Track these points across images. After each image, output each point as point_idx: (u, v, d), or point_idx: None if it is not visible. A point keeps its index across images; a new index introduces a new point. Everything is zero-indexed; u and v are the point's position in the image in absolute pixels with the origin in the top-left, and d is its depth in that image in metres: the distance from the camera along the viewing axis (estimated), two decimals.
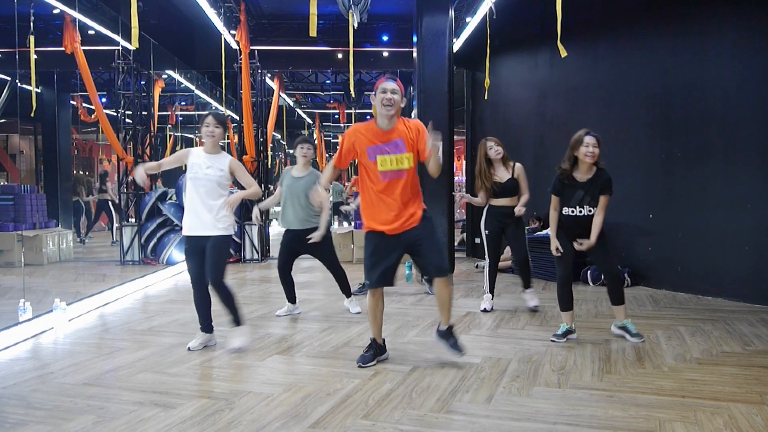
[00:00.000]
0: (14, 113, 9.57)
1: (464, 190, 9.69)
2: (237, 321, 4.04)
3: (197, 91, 11.94)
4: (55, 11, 7.51)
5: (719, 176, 5.60)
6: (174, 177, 11.05)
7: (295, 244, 4.94)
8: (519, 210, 4.96)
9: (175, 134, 13.78)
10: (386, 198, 3.49)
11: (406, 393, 3.14)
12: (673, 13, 5.99)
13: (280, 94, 12.19)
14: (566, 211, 4.07)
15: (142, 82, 9.10)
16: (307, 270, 7.75)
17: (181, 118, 13.66)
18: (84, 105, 10.98)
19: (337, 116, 16.03)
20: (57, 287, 6.74)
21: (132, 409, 2.97)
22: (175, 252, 8.46)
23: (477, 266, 7.68)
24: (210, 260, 3.91)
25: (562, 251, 4.12)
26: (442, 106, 7.23)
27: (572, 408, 2.92)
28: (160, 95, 10.50)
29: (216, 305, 3.99)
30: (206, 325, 4.07)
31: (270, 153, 11.31)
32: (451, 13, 7.38)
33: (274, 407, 2.97)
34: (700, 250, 5.77)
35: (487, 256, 5.19)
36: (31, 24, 6.88)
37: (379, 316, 3.68)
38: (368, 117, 18.41)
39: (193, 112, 13.70)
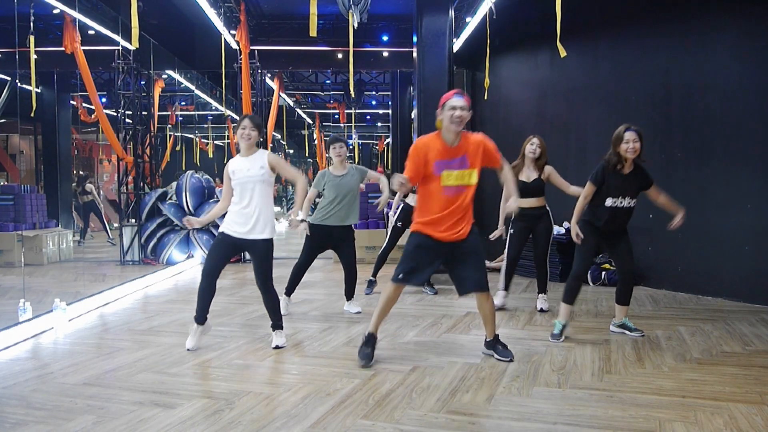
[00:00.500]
0: (14, 113, 9.58)
1: None
2: (278, 326, 4.10)
3: (197, 91, 11.94)
4: (55, 11, 7.51)
5: (719, 176, 5.60)
6: (174, 177, 11.05)
7: (324, 239, 4.96)
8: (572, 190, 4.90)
9: (175, 134, 13.79)
10: (444, 210, 3.51)
11: (406, 393, 3.15)
12: (673, 13, 5.99)
13: (280, 94, 12.20)
14: (609, 202, 4.05)
15: (142, 82, 9.10)
16: (308, 270, 7.74)
17: (181, 118, 13.67)
18: (84, 105, 10.99)
19: (337, 116, 16.03)
20: (57, 287, 6.74)
21: (132, 409, 2.97)
22: (175, 252, 8.46)
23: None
24: (263, 265, 3.99)
25: (584, 240, 4.12)
26: None
27: (572, 408, 2.93)
28: (160, 95, 10.50)
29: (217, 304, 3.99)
30: (202, 317, 4.08)
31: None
32: (451, 13, 7.38)
33: (274, 407, 2.97)
34: (700, 250, 5.77)
35: (506, 254, 5.15)
36: (31, 24, 6.88)
37: (389, 310, 3.76)
38: (368, 117, 18.44)
39: (193, 112, 13.72)
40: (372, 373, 3.47)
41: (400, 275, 3.62)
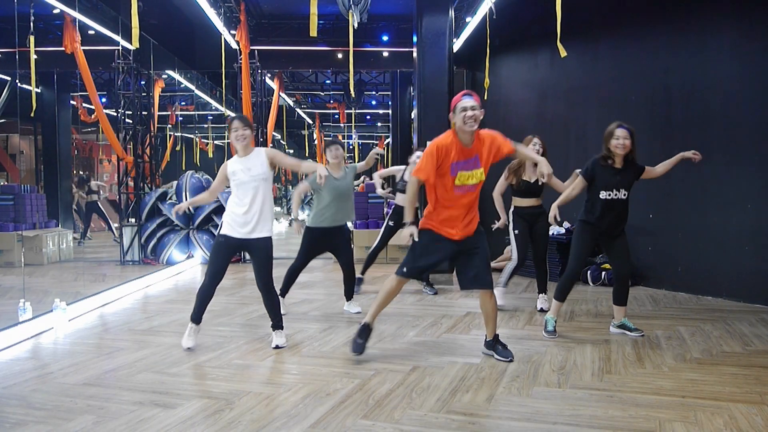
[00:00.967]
0: (14, 113, 9.58)
1: None
2: (278, 326, 4.11)
3: (197, 91, 11.94)
4: (55, 11, 7.51)
5: (719, 176, 5.60)
6: (174, 177, 11.06)
7: (321, 242, 4.96)
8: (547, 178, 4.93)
9: (175, 134, 13.79)
10: (457, 209, 3.55)
11: (406, 393, 3.14)
12: (673, 13, 5.99)
13: (280, 94, 12.20)
14: (603, 195, 4.10)
15: (142, 82, 9.10)
16: (307, 270, 7.72)
17: (181, 118, 13.67)
18: (84, 105, 11.00)
19: (337, 116, 16.03)
20: (57, 287, 6.74)
21: (132, 409, 2.97)
22: (175, 252, 8.46)
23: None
24: (264, 264, 4.01)
25: (580, 239, 4.19)
26: (442, 106, 7.22)
27: (572, 408, 2.93)
28: (160, 95, 10.50)
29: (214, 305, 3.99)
30: (199, 317, 4.10)
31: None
32: (451, 13, 7.38)
33: (274, 407, 2.97)
34: (700, 250, 5.77)
35: (514, 257, 5.16)
36: (31, 24, 6.88)
37: (389, 303, 3.78)
38: (368, 117, 18.44)
39: (193, 112, 13.72)
40: (372, 373, 3.47)
41: (406, 269, 3.64)
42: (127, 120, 8.93)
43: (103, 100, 10.13)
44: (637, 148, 4.15)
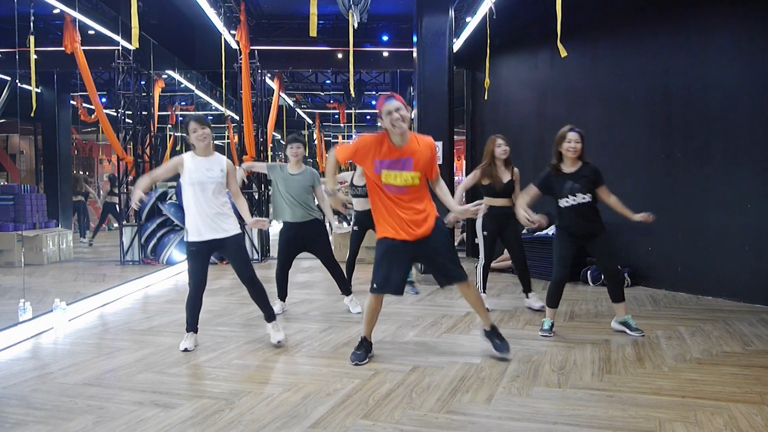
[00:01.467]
0: (14, 113, 9.56)
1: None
2: (271, 316, 4.13)
3: (197, 91, 11.93)
4: (55, 11, 7.51)
5: (719, 176, 5.60)
6: (173, 177, 11.03)
7: (295, 239, 4.98)
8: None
9: (175, 134, 13.78)
10: (394, 207, 3.53)
11: (406, 393, 3.15)
12: (673, 13, 5.99)
13: (280, 94, 12.18)
14: (563, 203, 4.16)
15: (142, 82, 9.10)
16: (307, 270, 7.76)
17: (181, 118, 13.65)
18: (84, 105, 10.98)
19: (337, 116, 16.02)
20: (57, 287, 6.74)
21: (132, 409, 2.97)
22: (175, 252, 8.46)
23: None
24: (240, 259, 4.00)
25: (560, 246, 4.22)
26: (442, 106, 7.24)
27: (572, 408, 2.93)
28: (160, 95, 10.49)
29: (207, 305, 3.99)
30: (194, 326, 4.11)
31: (270, 153, 11.29)
32: (451, 13, 7.38)
33: (274, 407, 2.97)
34: (700, 250, 5.77)
35: (482, 256, 5.21)
36: (31, 24, 6.87)
37: (376, 318, 3.78)
38: (368, 117, 18.46)
39: (193, 112, 13.71)
40: (372, 373, 3.47)
41: (375, 285, 3.63)
42: (127, 120, 8.92)
43: (103, 100, 10.11)
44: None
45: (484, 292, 5.22)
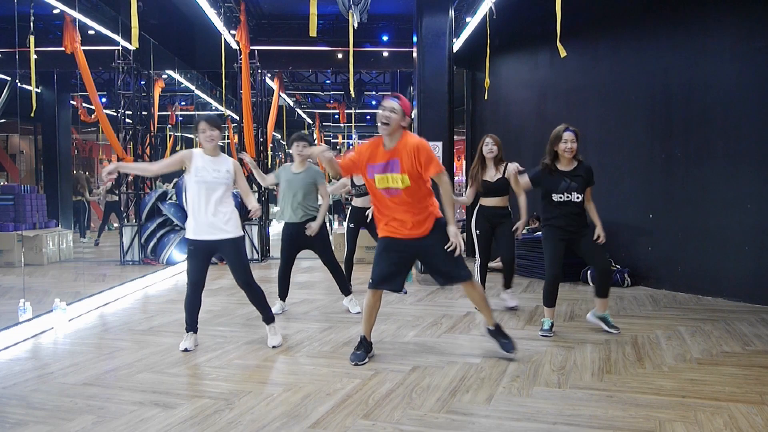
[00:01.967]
0: (14, 113, 9.56)
1: (464, 190, 9.68)
2: (270, 318, 4.13)
3: (197, 91, 11.93)
4: (55, 11, 7.51)
5: (719, 176, 5.60)
6: (174, 176, 11.05)
7: (296, 238, 4.97)
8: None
9: (175, 134, 13.78)
10: (392, 208, 3.54)
11: (406, 393, 3.15)
12: (673, 13, 5.99)
13: (280, 94, 12.18)
14: (556, 197, 4.18)
15: (142, 82, 9.10)
16: (307, 270, 7.76)
17: (181, 118, 13.65)
18: (84, 105, 10.97)
19: (337, 116, 16.01)
20: (57, 287, 6.74)
21: (132, 409, 2.97)
22: (175, 252, 8.46)
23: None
24: (237, 262, 3.98)
25: (548, 244, 4.26)
26: (442, 106, 7.23)
27: (572, 408, 2.93)
28: (160, 95, 10.49)
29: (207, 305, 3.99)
30: (194, 326, 4.10)
31: (270, 153, 11.29)
32: (451, 13, 7.38)
33: (274, 407, 2.97)
34: (700, 250, 5.77)
35: (477, 255, 5.21)
36: (31, 24, 6.87)
37: (374, 315, 3.77)
38: (368, 117, 18.46)
39: (193, 112, 13.69)
40: (372, 373, 3.47)
41: (372, 280, 3.64)
42: (127, 120, 8.92)
43: (103, 100, 10.10)
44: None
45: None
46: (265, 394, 3.15)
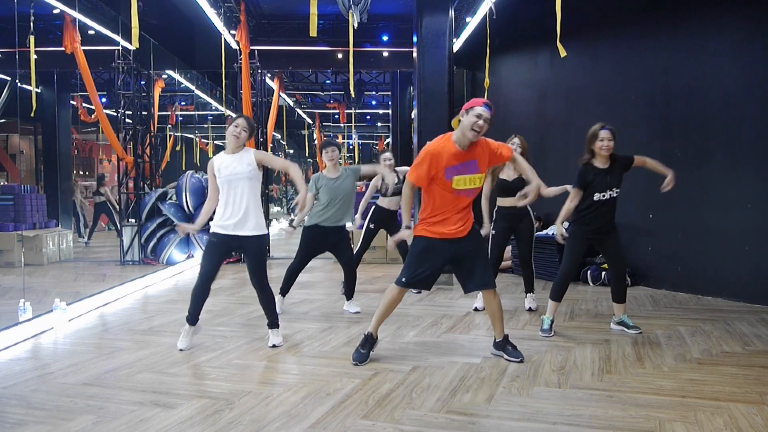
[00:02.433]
0: (14, 113, 9.57)
1: None
2: (274, 324, 4.13)
3: (197, 91, 11.93)
4: (55, 11, 7.51)
5: (719, 176, 5.60)
6: (174, 177, 11.05)
7: (320, 242, 4.97)
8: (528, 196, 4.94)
9: (175, 134, 13.78)
10: (453, 211, 3.54)
11: (406, 393, 3.14)
12: (672, 13, 5.99)
13: (280, 94, 12.18)
14: (597, 197, 4.16)
15: (142, 82, 9.10)
16: (307, 270, 7.73)
17: (181, 118, 13.66)
18: (84, 105, 10.99)
19: (337, 116, 16.02)
20: (57, 287, 6.74)
21: (132, 409, 2.97)
22: (175, 252, 8.46)
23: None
24: (257, 261, 3.99)
25: (573, 242, 4.25)
26: (442, 106, 7.21)
27: (572, 408, 2.93)
28: (160, 95, 10.49)
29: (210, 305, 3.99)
30: (195, 318, 4.09)
31: (270, 153, 11.29)
32: (451, 13, 7.37)
33: (274, 407, 2.97)
34: (700, 250, 5.77)
35: (489, 255, 5.18)
36: (31, 24, 6.87)
37: (390, 313, 3.76)
38: (368, 117, 18.43)
39: (193, 112, 13.71)
40: (372, 373, 3.47)
41: (405, 279, 3.61)
42: (127, 120, 8.92)
43: (103, 100, 10.11)
44: (620, 146, 4.23)
45: None
46: (265, 394, 3.15)
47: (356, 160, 18.21)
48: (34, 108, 7.52)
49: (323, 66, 11.94)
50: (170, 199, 8.81)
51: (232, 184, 3.89)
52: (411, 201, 3.63)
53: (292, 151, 20.98)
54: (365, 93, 14.75)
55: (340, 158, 5.09)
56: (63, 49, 7.57)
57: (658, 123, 6.15)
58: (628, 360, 3.69)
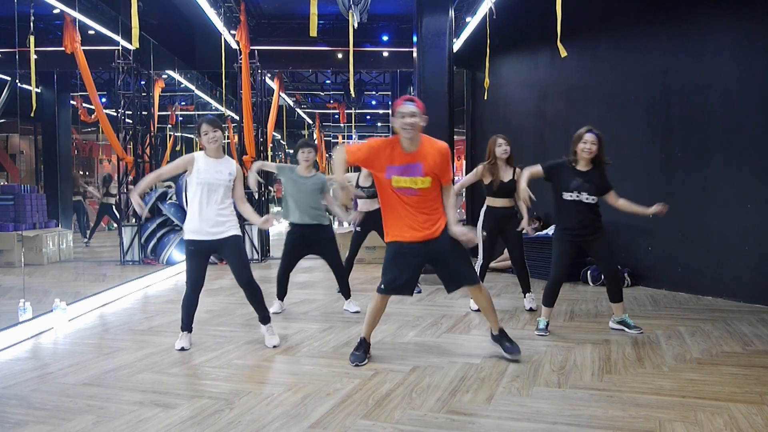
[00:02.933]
0: (14, 113, 9.57)
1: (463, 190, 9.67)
2: (266, 318, 4.14)
3: (197, 91, 11.93)
4: (55, 11, 7.51)
5: (719, 176, 5.60)
6: (173, 177, 11.04)
7: (303, 241, 4.96)
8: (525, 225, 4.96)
9: (175, 134, 13.78)
10: (405, 208, 3.52)
11: (406, 393, 3.14)
12: (672, 13, 5.99)
13: (280, 94, 12.18)
14: (566, 196, 4.19)
15: (142, 82, 9.10)
16: (307, 270, 7.75)
17: (181, 118, 13.66)
18: (84, 105, 10.99)
19: (337, 116, 16.02)
20: (57, 287, 6.74)
21: (132, 409, 2.97)
22: (175, 252, 8.46)
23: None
24: (238, 261, 4.00)
25: (560, 246, 4.26)
26: (442, 106, 7.23)
27: (572, 408, 2.93)
28: (160, 95, 10.49)
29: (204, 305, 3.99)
30: (189, 326, 4.11)
31: (270, 153, 11.30)
32: (451, 13, 7.38)
33: (274, 407, 2.97)
34: (700, 250, 5.77)
35: (481, 256, 5.20)
36: (31, 24, 6.87)
37: (378, 319, 3.77)
38: (368, 117, 18.44)
39: (193, 112, 13.70)
40: (372, 373, 3.47)
41: (383, 286, 3.62)
42: (127, 120, 8.92)
43: (103, 100, 10.11)
44: (604, 153, 4.26)
45: None
46: (265, 394, 3.15)
47: None
48: (34, 108, 7.51)
49: (323, 66, 11.94)
50: (170, 199, 8.81)
51: (212, 189, 3.88)
52: (342, 164, 3.54)
53: (292, 151, 20.99)
54: (365, 93, 14.75)
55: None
56: (63, 49, 7.57)
57: (658, 123, 6.15)
58: (628, 360, 3.69)
